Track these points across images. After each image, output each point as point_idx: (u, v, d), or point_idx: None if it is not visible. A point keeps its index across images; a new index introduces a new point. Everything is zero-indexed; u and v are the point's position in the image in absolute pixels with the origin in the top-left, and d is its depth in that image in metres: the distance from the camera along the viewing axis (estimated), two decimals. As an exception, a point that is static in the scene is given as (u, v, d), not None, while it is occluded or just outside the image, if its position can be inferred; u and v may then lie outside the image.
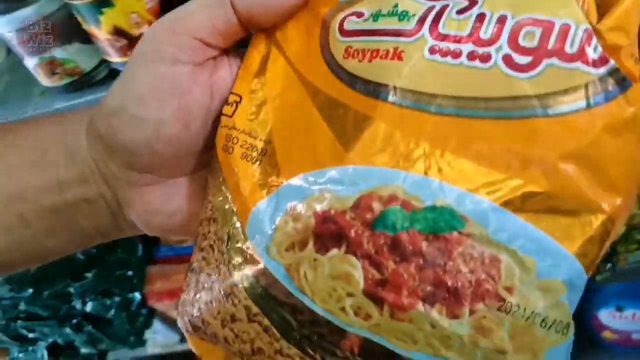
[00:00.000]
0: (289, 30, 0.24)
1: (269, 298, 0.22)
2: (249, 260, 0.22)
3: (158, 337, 0.93)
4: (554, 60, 0.18)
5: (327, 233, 0.21)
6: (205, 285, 0.24)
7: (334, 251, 0.20)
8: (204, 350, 0.26)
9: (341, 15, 0.23)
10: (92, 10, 0.45)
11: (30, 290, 0.74)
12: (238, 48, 0.26)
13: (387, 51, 0.21)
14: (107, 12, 0.45)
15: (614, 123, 0.18)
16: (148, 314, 0.87)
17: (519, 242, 0.19)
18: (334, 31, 0.23)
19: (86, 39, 0.51)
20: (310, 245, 0.21)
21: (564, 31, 0.18)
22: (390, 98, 0.20)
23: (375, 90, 0.21)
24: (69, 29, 0.50)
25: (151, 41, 0.24)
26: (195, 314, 0.24)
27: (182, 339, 0.97)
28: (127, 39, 0.47)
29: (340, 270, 0.20)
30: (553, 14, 0.19)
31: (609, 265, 0.81)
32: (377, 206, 0.20)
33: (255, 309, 0.22)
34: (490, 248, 0.19)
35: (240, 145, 0.23)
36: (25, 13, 0.48)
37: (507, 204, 0.19)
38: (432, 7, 0.21)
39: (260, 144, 0.23)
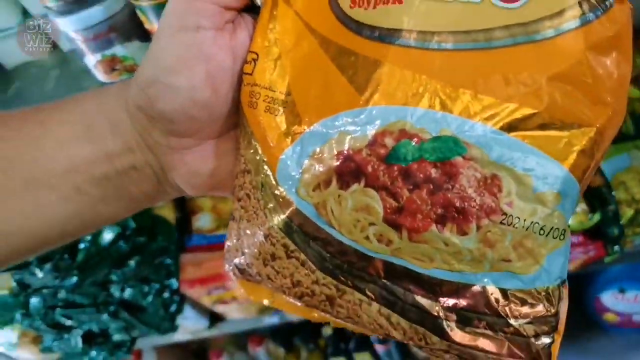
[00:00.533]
0: None
1: (303, 235, 0.24)
2: (282, 203, 0.24)
3: (187, 323, 0.97)
4: None
5: (348, 170, 0.23)
6: (247, 231, 0.26)
7: (354, 186, 0.23)
8: (252, 290, 0.29)
9: None
10: (158, 11, 0.49)
11: (75, 279, 0.78)
12: (250, 12, 0.27)
13: None
14: (173, 12, 0.49)
15: (598, 42, 0.20)
16: (180, 300, 0.91)
17: (515, 161, 0.21)
18: None
19: (145, 36, 0.55)
20: (334, 183, 0.23)
21: None
22: (396, 41, 0.22)
23: (381, 35, 0.23)
24: (130, 28, 0.53)
25: (174, 12, 0.25)
26: (240, 259, 0.27)
27: (211, 325, 1.01)
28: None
29: (361, 202, 0.22)
30: None
31: (616, 247, 0.85)
32: (389, 142, 0.22)
33: (292, 246, 0.24)
34: (490, 169, 0.21)
35: (263, 100, 0.25)
36: (92, 13, 0.51)
37: (503, 127, 0.21)
38: None
39: (280, 97, 0.25)
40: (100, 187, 0.28)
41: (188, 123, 0.26)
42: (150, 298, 0.84)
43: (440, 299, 0.22)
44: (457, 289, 0.22)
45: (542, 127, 0.21)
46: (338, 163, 0.23)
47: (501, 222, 0.21)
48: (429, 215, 0.22)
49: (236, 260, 0.27)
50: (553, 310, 0.21)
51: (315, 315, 0.27)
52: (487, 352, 0.22)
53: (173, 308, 0.90)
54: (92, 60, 0.55)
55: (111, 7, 0.52)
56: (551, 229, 0.21)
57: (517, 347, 0.21)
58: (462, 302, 0.22)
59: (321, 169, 0.23)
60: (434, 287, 0.22)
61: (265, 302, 0.29)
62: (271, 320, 1.02)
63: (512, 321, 0.21)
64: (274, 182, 0.25)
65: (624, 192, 0.79)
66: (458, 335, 0.22)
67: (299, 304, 0.26)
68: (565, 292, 0.22)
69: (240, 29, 0.27)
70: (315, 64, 0.24)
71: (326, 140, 0.23)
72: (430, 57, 0.22)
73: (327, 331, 1.18)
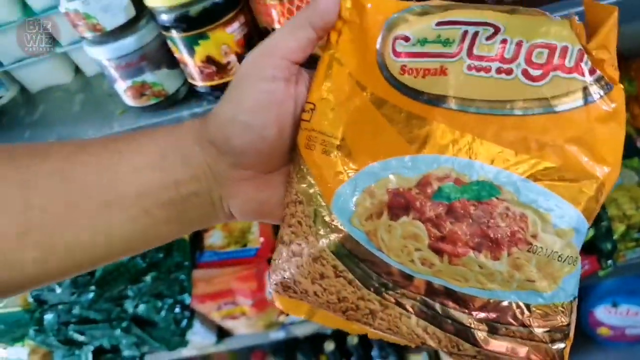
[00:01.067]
0: (349, 52, 0.30)
1: (353, 257, 0.28)
2: (334, 229, 0.29)
3: (196, 339, 0.99)
4: (558, 72, 0.25)
5: (398, 205, 0.27)
6: (296, 252, 0.30)
7: (403, 218, 0.27)
8: (291, 306, 0.32)
9: (390, 38, 0.29)
10: (189, 42, 0.53)
11: (92, 294, 0.80)
12: (307, 66, 0.32)
13: (436, 69, 0.27)
14: (202, 43, 0.53)
15: (602, 115, 0.25)
16: (191, 315, 0.93)
17: (539, 203, 0.26)
18: (388, 54, 0.29)
19: (173, 63, 0.58)
20: (385, 214, 0.27)
21: (564, 51, 0.26)
22: (442, 104, 0.27)
23: (429, 99, 0.27)
24: (160, 56, 0.57)
25: (254, 65, 0.30)
26: (286, 276, 0.30)
27: (218, 340, 1.03)
28: (216, 66, 0.55)
29: (409, 231, 0.27)
30: (555, 39, 0.26)
31: (610, 261, 0.89)
32: (435, 183, 0.27)
33: (341, 267, 0.28)
34: (519, 208, 0.26)
35: (320, 144, 0.29)
36: (125, 43, 0.55)
37: (530, 176, 0.26)
38: (466, 33, 0.27)
39: (336, 142, 0.29)
40: (165, 210, 0.31)
41: (254, 157, 0.31)
42: (163, 313, 0.86)
43: (473, 312, 0.26)
44: (488, 304, 0.26)
45: (560, 178, 0.26)
46: (389, 198, 0.27)
47: (527, 251, 0.26)
48: (468, 243, 0.26)
49: (282, 277, 0.30)
50: (567, 321, 0.26)
51: (355, 327, 0.31)
52: (510, 355, 0.26)
53: (184, 323, 0.92)
54: (122, 85, 0.59)
55: (144, 38, 0.56)
56: (567, 257, 0.26)
57: (537, 350, 0.26)
58: (492, 315, 0.26)
59: (374, 203, 0.28)
60: (468, 303, 0.26)
61: (303, 316, 0.33)
62: (277, 335, 1.04)
63: (534, 330, 0.26)
64: (327, 212, 0.29)
65: (615, 209, 0.84)
66: (488, 342, 0.26)
67: (341, 317, 0.30)
68: (575, 305, 0.27)
69: (301, 81, 0.31)
70: (367, 117, 0.29)
71: (378, 179, 0.28)
72: (469, 118, 0.26)
73: (329, 347, 1.21)
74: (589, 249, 0.88)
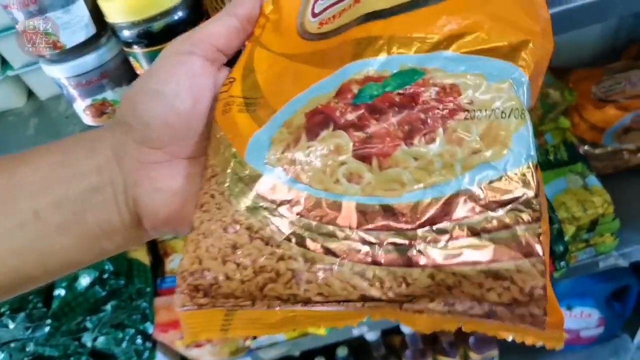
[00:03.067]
0: (272, 37, 0.30)
1: (270, 204, 0.24)
2: (250, 179, 0.24)
3: (159, 371, 0.95)
4: None
5: (316, 122, 0.24)
6: (207, 232, 0.25)
7: (323, 133, 0.24)
8: (202, 324, 0.25)
9: (309, 5, 0.30)
10: (152, 57, 0.53)
11: (47, 329, 0.76)
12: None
13: (349, 5, 0.28)
14: (166, 58, 0.53)
15: None
16: (152, 346, 0.90)
17: (469, 68, 0.23)
18: (308, 19, 0.29)
19: (134, 80, 0.58)
20: (303, 137, 0.24)
21: None
22: (356, 24, 0.27)
23: (344, 27, 0.27)
24: (122, 73, 0.57)
25: (172, 43, 0.30)
26: (193, 269, 0.24)
27: (183, 372, 0.99)
28: (180, 81, 0.55)
29: (330, 144, 0.24)
30: None
31: (562, 263, 0.93)
32: (355, 87, 0.24)
33: (257, 225, 0.24)
34: (448, 79, 0.23)
35: (237, 105, 0.27)
36: (85, 61, 0.54)
37: (455, 49, 0.24)
38: None
39: (253, 100, 0.27)
40: (58, 212, 0.27)
41: (164, 131, 0.28)
42: (124, 345, 0.83)
43: (417, 223, 0.22)
44: (433, 206, 0.21)
45: (485, 43, 0.24)
46: (307, 120, 0.25)
47: (465, 119, 0.22)
48: (397, 135, 0.23)
49: (188, 274, 0.25)
50: (532, 193, 0.21)
51: (279, 322, 0.24)
52: (474, 264, 0.21)
53: (146, 355, 0.88)
54: (81, 105, 0.57)
55: (104, 55, 0.55)
56: (511, 110, 0.22)
57: (504, 245, 0.20)
58: (440, 218, 0.21)
59: (290, 131, 0.25)
60: (409, 215, 0.22)
61: (218, 334, 0.26)
62: (243, 361, 1.02)
63: (492, 214, 0.21)
64: (241, 166, 0.25)
65: (564, 212, 0.88)
66: (438, 255, 0.21)
67: (261, 306, 0.24)
68: (538, 171, 0.22)
69: (223, 70, 0.31)
70: (286, 71, 0.28)
71: (296, 110, 0.25)
72: (380, 23, 0.26)
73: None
74: (543, 252, 0.92)
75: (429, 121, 0.22)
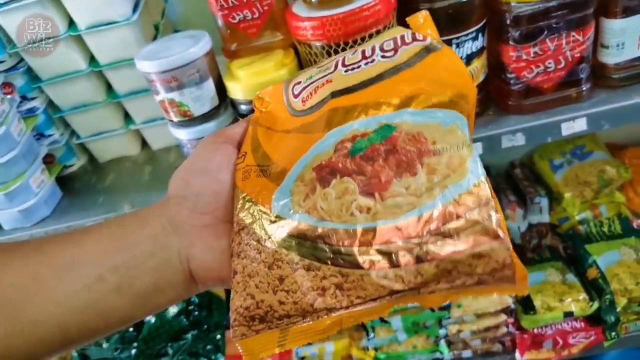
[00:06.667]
0: (267, 119, 0.37)
1: (303, 241, 0.30)
2: (279, 227, 0.31)
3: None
4: (404, 47, 0.35)
5: (325, 174, 0.31)
6: (251, 273, 0.31)
7: (333, 181, 0.31)
8: (260, 346, 0.31)
9: (289, 90, 0.37)
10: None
11: (134, 351, 0.85)
12: None
13: (323, 83, 0.35)
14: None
15: (444, 56, 0.34)
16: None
17: (428, 119, 0.31)
18: (291, 100, 0.37)
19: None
20: (318, 187, 0.31)
21: (402, 36, 0.35)
22: (333, 97, 0.34)
23: (324, 100, 0.34)
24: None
25: (208, 138, 0.37)
26: (248, 304, 0.30)
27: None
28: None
29: (341, 189, 0.30)
30: (395, 33, 0.36)
31: (614, 333, 0.95)
32: (347, 144, 0.32)
33: (296, 258, 0.30)
34: (414, 130, 0.31)
35: (254, 172, 0.34)
36: (208, 127, 0.65)
37: (415, 107, 0.32)
38: (337, 60, 0.36)
39: (266, 167, 0.34)
40: (117, 274, 0.32)
41: (212, 199, 0.34)
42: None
43: (418, 232, 0.29)
44: (427, 219, 0.29)
45: (433, 99, 0.32)
46: (316, 173, 0.31)
47: (434, 154, 0.30)
48: (389, 174, 0.30)
49: (244, 309, 0.30)
50: (489, 195, 0.29)
51: (330, 326, 0.31)
52: (463, 251, 0.28)
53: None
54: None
55: (223, 122, 0.66)
56: (462, 144, 0.31)
57: (479, 234, 0.29)
58: (434, 225, 0.29)
59: (305, 184, 0.31)
60: (411, 228, 0.29)
61: (277, 350, 0.32)
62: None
63: (469, 216, 0.29)
64: (268, 215, 0.31)
65: (617, 283, 0.92)
66: (442, 248, 0.29)
67: (312, 318, 0.30)
68: (488, 182, 0.30)
69: None
70: (289, 142, 0.34)
71: (305, 165, 0.32)
72: (355, 96, 0.33)
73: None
74: (595, 320, 0.95)
75: (409, 161, 0.30)
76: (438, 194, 0.29)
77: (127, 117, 0.81)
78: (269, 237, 0.31)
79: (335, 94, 0.34)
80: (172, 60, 0.60)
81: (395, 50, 0.35)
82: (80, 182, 0.81)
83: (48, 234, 0.73)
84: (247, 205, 0.32)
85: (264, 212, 0.31)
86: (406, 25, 0.37)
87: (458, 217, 0.29)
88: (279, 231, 0.31)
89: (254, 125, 0.38)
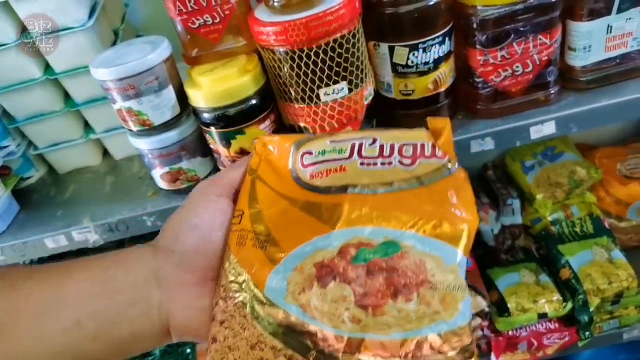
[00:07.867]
0: (268, 173, 0.37)
1: (290, 333, 0.31)
2: (270, 311, 0.31)
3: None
4: (422, 159, 0.35)
5: (325, 274, 0.32)
6: (232, 346, 0.31)
7: (332, 284, 0.31)
8: None
9: (298, 155, 0.37)
10: (226, 136, 0.61)
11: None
12: None
13: (336, 168, 0.35)
14: (239, 138, 0.61)
15: (459, 181, 0.34)
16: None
17: (431, 249, 0.32)
18: (299, 167, 0.36)
19: (207, 152, 0.66)
20: (315, 285, 0.31)
21: (423, 146, 0.35)
22: (345, 191, 0.34)
23: (335, 189, 0.34)
24: (197, 146, 0.65)
25: (202, 186, 0.37)
26: None
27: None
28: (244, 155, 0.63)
29: (338, 294, 0.31)
30: (416, 139, 0.36)
31: (587, 333, 0.96)
32: (352, 250, 0.32)
33: (279, 346, 0.30)
34: (417, 256, 0.31)
35: (250, 239, 0.34)
36: (169, 136, 0.62)
37: (421, 232, 0.32)
38: (354, 143, 0.36)
39: (263, 237, 0.34)
40: (96, 321, 0.31)
41: (200, 258, 0.34)
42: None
43: (400, 354, 0.30)
44: (410, 343, 0.30)
45: (441, 229, 0.32)
46: (317, 270, 0.32)
47: (430, 288, 0.31)
48: (385, 293, 0.31)
49: None
50: (470, 340, 0.30)
51: None
52: None
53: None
54: (159, 171, 0.65)
55: (184, 132, 0.63)
56: (458, 287, 0.31)
57: None
58: (414, 352, 0.30)
59: (304, 277, 0.32)
60: (393, 347, 0.30)
61: None
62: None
63: (448, 354, 0.30)
64: (261, 297, 0.32)
65: (590, 283, 0.92)
66: None
67: None
68: (472, 326, 0.32)
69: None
70: (289, 215, 0.34)
71: (305, 257, 0.32)
72: (368, 197, 0.33)
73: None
74: (569, 321, 0.96)
75: (407, 286, 0.31)
76: (426, 324, 0.30)
77: (87, 126, 0.78)
78: (257, 318, 0.31)
79: (348, 187, 0.34)
80: (128, 67, 0.57)
81: (414, 160, 0.35)
82: (38, 194, 0.78)
83: (4, 250, 0.69)
84: (239, 275, 0.33)
85: (256, 290, 0.32)
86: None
87: (438, 351, 0.30)
88: (268, 316, 0.31)
89: (252, 175, 0.37)
